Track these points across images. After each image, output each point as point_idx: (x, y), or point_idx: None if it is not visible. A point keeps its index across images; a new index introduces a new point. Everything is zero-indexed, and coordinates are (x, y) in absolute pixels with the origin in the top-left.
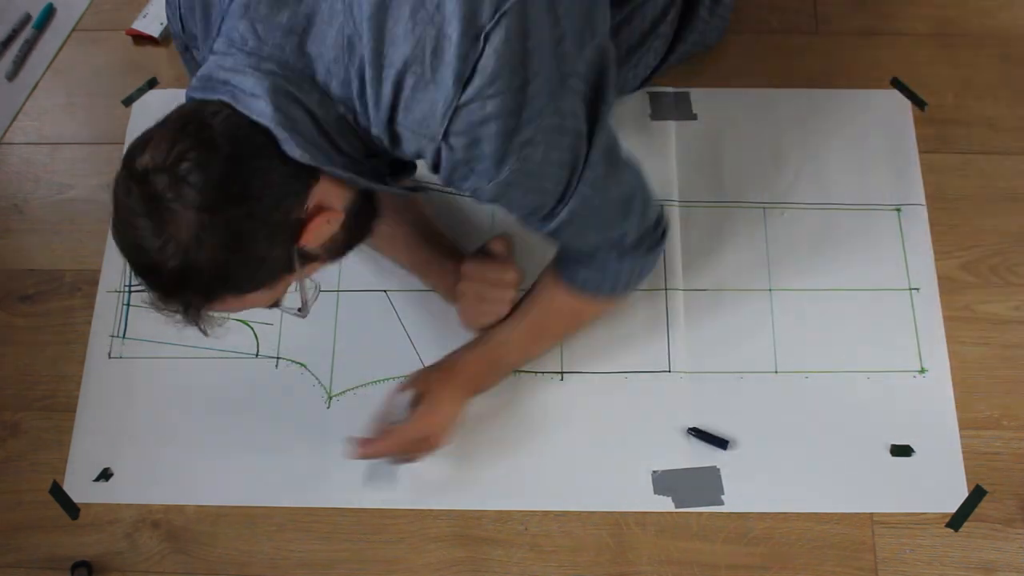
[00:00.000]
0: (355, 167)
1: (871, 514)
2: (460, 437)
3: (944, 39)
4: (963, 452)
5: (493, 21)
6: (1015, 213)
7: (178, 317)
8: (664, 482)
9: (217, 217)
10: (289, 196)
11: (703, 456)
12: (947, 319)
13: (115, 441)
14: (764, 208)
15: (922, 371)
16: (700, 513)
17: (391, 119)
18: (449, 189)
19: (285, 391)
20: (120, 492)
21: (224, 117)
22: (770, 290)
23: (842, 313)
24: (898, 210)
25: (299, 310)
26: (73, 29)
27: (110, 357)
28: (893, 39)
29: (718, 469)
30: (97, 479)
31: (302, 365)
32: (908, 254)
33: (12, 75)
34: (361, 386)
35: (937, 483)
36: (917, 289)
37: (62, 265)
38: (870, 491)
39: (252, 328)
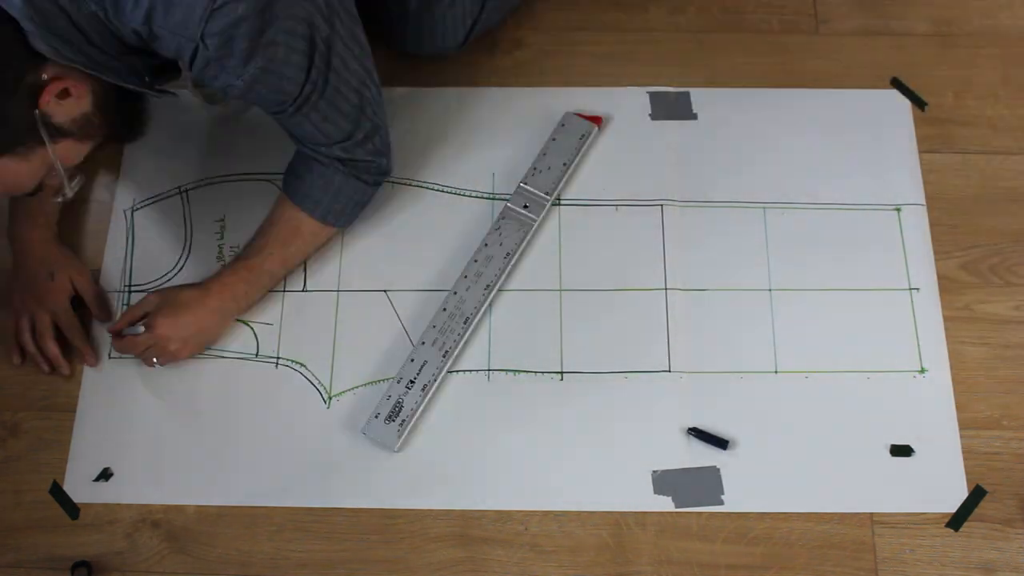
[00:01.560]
0: (107, 61)
1: (871, 514)
2: (461, 437)
3: (944, 39)
4: (963, 452)
5: None
6: (1015, 213)
7: None
8: (664, 482)
9: None
10: (15, 59)
11: (703, 456)
12: (947, 319)
13: (115, 441)
14: (764, 208)
15: (922, 371)
16: (700, 513)
17: (148, 19)
18: (192, 89)
19: (285, 391)
20: (120, 492)
21: None
22: (770, 290)
23: (842, 313)
24: (898, 210)
25: (60, 194)
26: None
27: (110, 357)
28: (893, 39)
29: (718, 469)
30: (97, 479)
31: (302, 365)
32: (908, 254)
33: None
34: (361, 386)
35: (937, 483)
36: (917, 289)
37: None
38: (870, 491)
39: (252, 328)
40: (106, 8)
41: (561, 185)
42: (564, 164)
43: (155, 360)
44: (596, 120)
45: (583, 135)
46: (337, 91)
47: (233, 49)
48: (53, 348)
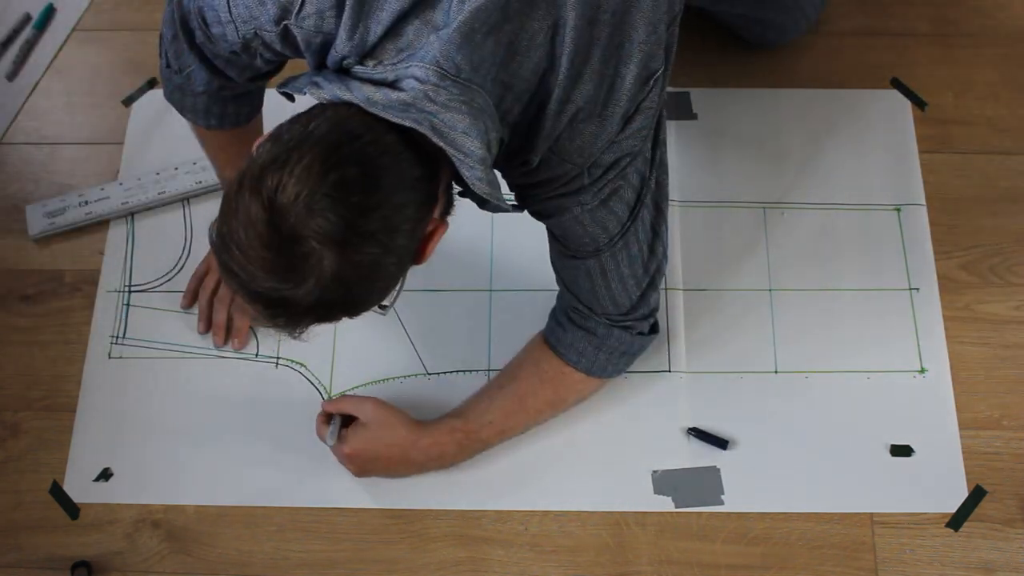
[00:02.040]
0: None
1: (871, 514)
2: None
3: (944, 39)
4: (963, 452)
5: (662, 68)
6: (1015, 213)
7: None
8: (664, 482)
9: (360, 256)
10: (420, 223)
11: (703, 456)
12: (947, 319)
13: (115, 441)
14: (764, 208)
15: (922, 371)
16: (700, 513)
17: (551, 148)
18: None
19: (285, 391)
20: (120, 492)
21: (376, 151)
22: (770, 290)
23: (842, 313)
24: (898, 210)
25: (381, 307)
26: (73, 29)
27: (110, 357)
28: (893, 39)
29: (718, 469)
30: (97, 479)
31: (302, 365)
32: (908, 254)
33: (12, 75)
34: (361, 386)
35: (937, 483)
36: (917, 289)
37: (62, 265)
38: (870, 491)
39: (252, 328)
40: (512, 134)
41: None
42: None
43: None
44: None
45: None
46: (651, 251)
47: (605, 175)
48: (223, 316)
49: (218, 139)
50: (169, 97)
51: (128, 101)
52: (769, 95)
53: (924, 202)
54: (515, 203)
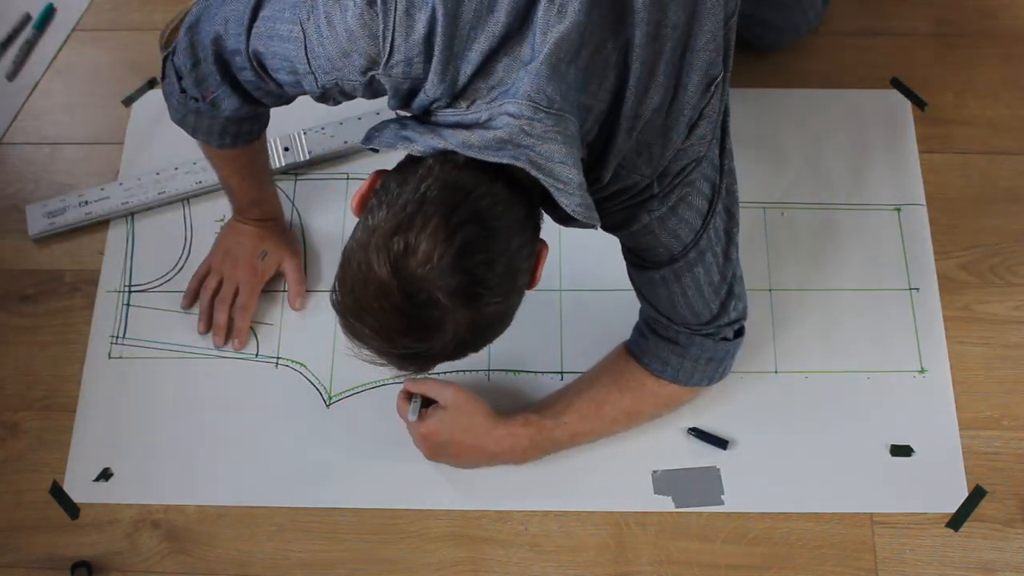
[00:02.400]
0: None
1: (871, 514)
2: None
3: (944, 39)
4: (963, 452)
5: (722, 74)
6: (1015, 213)
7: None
8: (664, 482)
9: (490, 307)
10: (532, 256)
11: (703, 456)
12: (947, 319)
13: (115, 441)
14: (764, 208)
15: (922, 371)
16: (700, 513)
17: (620, 162)
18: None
19: (285, 391)
20: (120, 492)
21: (488, 203)
22: (770, 290)
23: (842, 313)
24: (898, 210)
25: None
26: (73, 29)
27: (110, 357)
28: (893, 39)
29: (718, 469)
30: (97, 479)
31: (302, 365)
32: (908, 254)
33: (12, 75)
34: (361, 387)
35: (937, 483)
36: (917, 289)
37: (62, 265)
38: (870, 491)
39: (252, 328)
40: (590, 154)
41: None
42: None
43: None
44: None
45: None
46: (726, 256)
47: (672, 182)
48: (223, 316)
49: (227, 154)
50: (181, 121)
51: (128, 101)
52: (769, 95)
53: (924, 202)
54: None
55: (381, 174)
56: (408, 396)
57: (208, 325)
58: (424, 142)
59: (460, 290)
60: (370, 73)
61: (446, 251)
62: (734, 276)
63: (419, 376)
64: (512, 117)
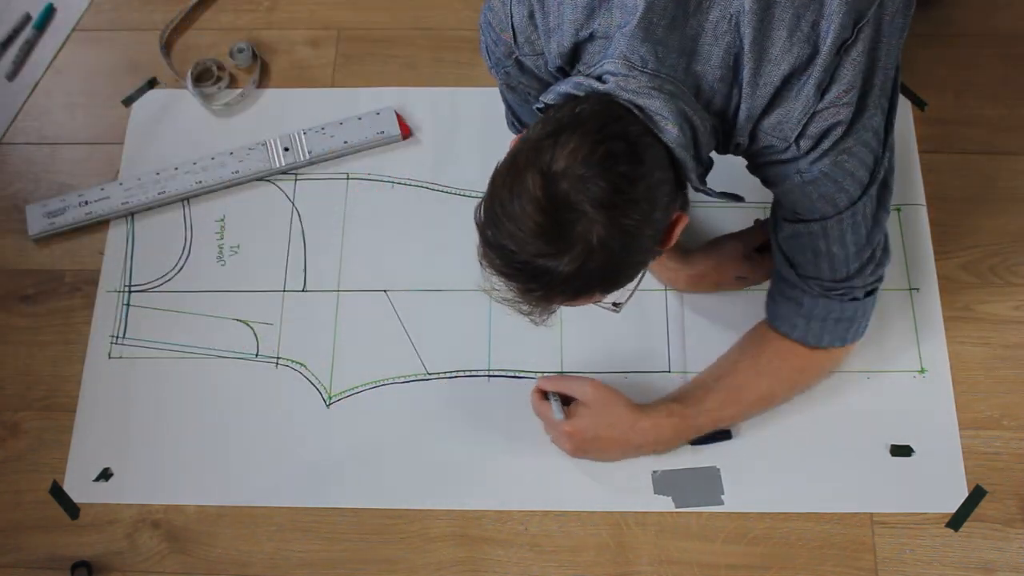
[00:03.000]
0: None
1: (871, 514)
2: (461, 437)
3: (944, 39)
4: (963, 452)
5: (853, 35)
6: (1015, 213)
7: (521, 307)
8: (664, 482)
9: (626, 221)
10: (672, 203)
11: (703, 456)
12: (947, 319)
13: (115, 441)
14: (764, 208)
15: (922, 371)
16: (700, 513)
17: (755, 125)
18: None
19: (285, 391)
20: (120, 492)
21: (638, 130)
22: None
23: None
24: (898, 210)
25: (615, 305)
26: (73, 29)
27: (110, 357)
28: None
29: (718, 469)
30: (97, 479)
31: (302, 365)
32: (908, 254)
33: (12, 75)
34: (361, 386)
35: (937, 483)
36: (917, 289)
37: (62, 265)
38: (870, 491)
39: (252, 328)
40: (725, 120)
41: None
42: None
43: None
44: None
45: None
46: (875, 221)
47: (819, 146)
48: None
49: None
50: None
51: (128, 101)
52: None
53: (924, 202)
54: (736, 194)
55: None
56: (544, 395)
57: None
58: (565, 86)
59: (597, 195)
60: (513, 56)
61: (592, 152)
62: (880, 246)
63: (550, 374)
64: (611, 75)
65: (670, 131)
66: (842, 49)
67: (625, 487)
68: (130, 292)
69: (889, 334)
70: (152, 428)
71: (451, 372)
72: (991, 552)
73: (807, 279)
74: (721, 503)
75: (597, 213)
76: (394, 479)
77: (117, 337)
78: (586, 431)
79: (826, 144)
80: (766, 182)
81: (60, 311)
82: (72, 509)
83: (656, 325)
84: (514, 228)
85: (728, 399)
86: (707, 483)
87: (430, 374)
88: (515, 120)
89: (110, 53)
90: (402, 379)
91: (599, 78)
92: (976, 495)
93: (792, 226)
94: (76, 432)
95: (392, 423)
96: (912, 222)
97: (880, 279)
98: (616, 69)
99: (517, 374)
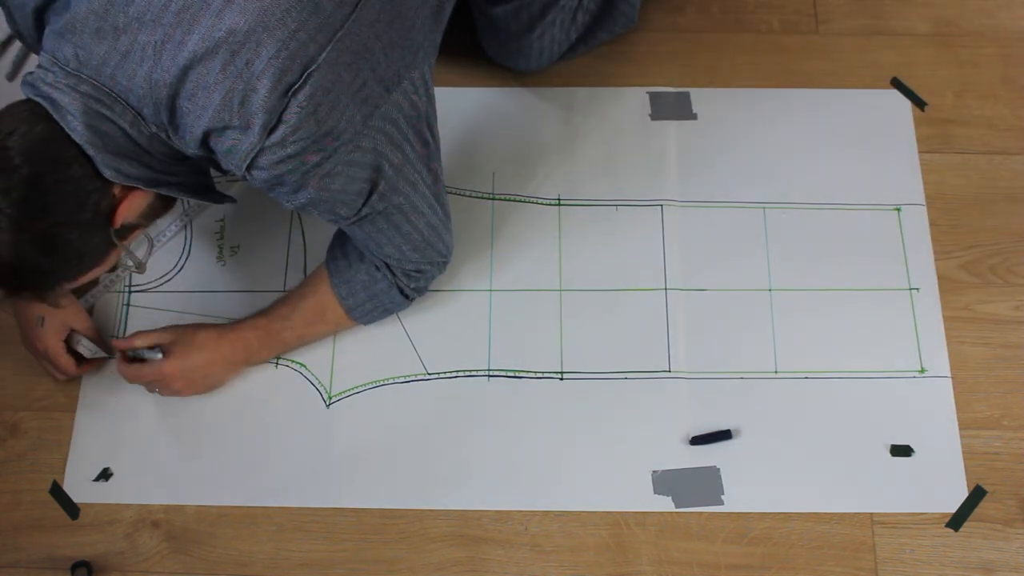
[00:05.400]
0: (171, 167)
1: (871, 514)
2: (461, 437)
3: (944, 39)
4: (963, 452)
5: (301, 80)
6: (1015, 213)
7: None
8: (664, 482)
9: (27, 233)
10: (92, 193)
11: (703, 456)
12: (947, 319)
13: (115, 441)
14: (764, 208)
15: (922, 371)
16: (700, 513)
17: (203, 144)
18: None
19: (285, 391)
20: (120, 492)
21: (22, 135)
22: (770, 290)
23: (842, 313)
24: (898, 210)
25: (136, 267)
26: None
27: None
28: (893, 39)
29: (718, 469)
30: (97, 479)
31: (302, 365)
32: (908, 254)
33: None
34: (361, 386)
35: (937, 483)
36: (917, 289)
37: None
38: (870, 491)
39: None
40: (167, 130)
41: None
42: None
43: (156, 390)
44: None
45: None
46: (404, 217)
47: (284, 181)
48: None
49: None
50: None
51: None
52: (769, 95)
53: (924, 202)
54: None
55: None
56: (126, 359)
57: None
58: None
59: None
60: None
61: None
62: (430, 242)
63: (123, 337)
64: (38, 68)
65: (73, 126)
66: (290, 93)
67: (625, 487)
68: (130, 292)
69: (889, 334)
70: (152, 428)
71: (451, 372)
72: (991, 552)
73: (371, 253)
74: (721, 503)
75: (7, 223)
76: (394, 479)
77: (117, 337)
78: (185, 362)
79: (289, 179)
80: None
81: None
82: (72, 509)
83: (656, 325)
84: None
85: (313, 319)
86: (707, 483)
87: (430, 374)
88: None
89: None
90: (402, 379)
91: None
92: (976, 495)
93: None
94: (76, 432)
95: (392, 423)
96: (912, 222)
97: (424, 289)
98: (44, 62)
99: (517, 374)
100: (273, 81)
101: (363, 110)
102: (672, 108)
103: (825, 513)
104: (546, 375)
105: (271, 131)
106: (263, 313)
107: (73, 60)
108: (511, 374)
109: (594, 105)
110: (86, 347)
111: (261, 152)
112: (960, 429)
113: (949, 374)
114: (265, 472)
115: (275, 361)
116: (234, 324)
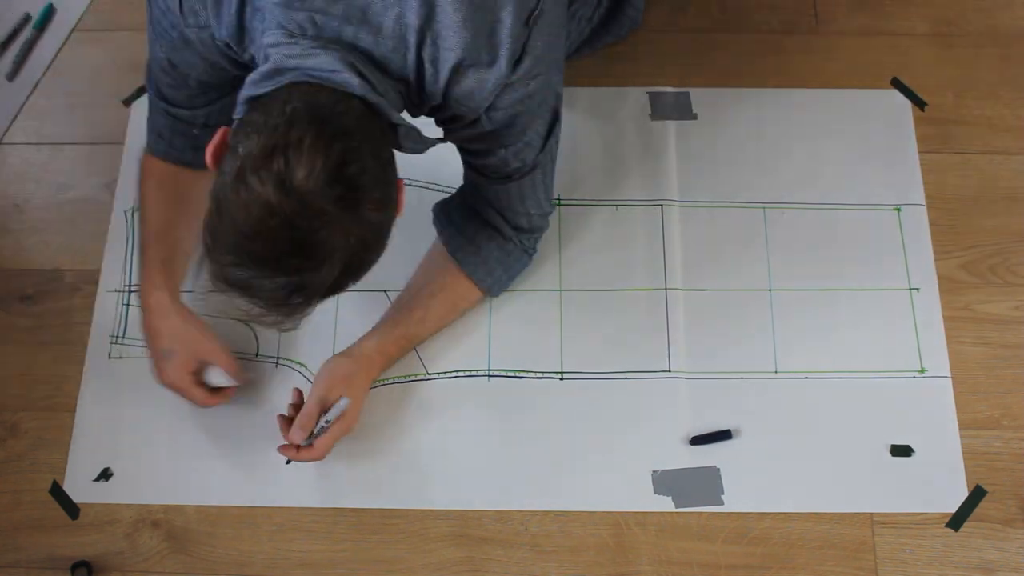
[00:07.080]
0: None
1: (871, 514)
2: (461, 438)
3: (944, 39)
4: (963, 452)
5: (539, 7)
6: (1015, 213)
7: (266, 320)
8: (664, 482)
9: (371, 216)
10: (395, 171)
11: (703, 456)
12: (947, 319)
13: (115, 441)
14: (764, 208)
15: (922, 371)
16: (700, 513)
17: (444, 93)
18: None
19: (285, 391)
20: (120, 492)
21: (357, 116)
22: (770, 290)
23: (842, 313)
24: (898, 210)
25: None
26: (73, 29)
27: (110, 357)
28: (893, 39)
29: (718, 469)
30: (97, 479)
31: (302, 365)
32: (908, 254)
33: (12, 75)
34: None
35: (937, 483)
36: (917, 289)
37: (62, 265)
38: (870, 491)
39: (252, 328)
40: (409, 86)
41: None
42: None
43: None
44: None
45: None
46: (552, 166)
47: (515, 122)
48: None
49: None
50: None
51: (128, 101)
52: (769, 95)
53: (924, 202)
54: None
55: (231, 125)
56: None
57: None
58: (242, 92)
59: (341, 197)
60: (178, 29)
61: (325, 163)
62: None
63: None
64: (272, 47)
65: (349, 80)
66: (531, 20)
67: (625, 487)
68: (130, 292)
69: (889, 334)
70: (152, 428)
71: (451, 372)
72: (991, 552)
73: (516, 215)
74: (721, 503)
75: (344, 214)
76: (394, 479)
77: (117, 337)
78: (360, 404)
79: (524, 120)
80: (467, 152)
81: (60, 311)
82: (72, 509)
83: (656, 325)
84: (263, 252)
85: (447, 312)
86: (707, 483)
87: (430, 374)
88: (162, 136)
89: (110, 53)
90: (402, 379)
91: (265, 59)
92: (976, 495)
93: (487, 180)
94: (76, 432)
95: (392, 423)
96: (912, 222)
97: (538, 235)
98: (276, 40)
99: (517, 374)
100: (517, 9)
101: (562, 47)
102: (672, 108)
103: (825, 513)
104: (546, 375)
105: (517, 63)
106: (392, 322)
107: (311, 27)
108: (511, 374)
109: (594, 105)
110: (216, 378)
111: (505, 89)
112: (960, 429)
113: (949, 374)
114: (265, 472)
115: (275, 361)
116: (376, 345)
